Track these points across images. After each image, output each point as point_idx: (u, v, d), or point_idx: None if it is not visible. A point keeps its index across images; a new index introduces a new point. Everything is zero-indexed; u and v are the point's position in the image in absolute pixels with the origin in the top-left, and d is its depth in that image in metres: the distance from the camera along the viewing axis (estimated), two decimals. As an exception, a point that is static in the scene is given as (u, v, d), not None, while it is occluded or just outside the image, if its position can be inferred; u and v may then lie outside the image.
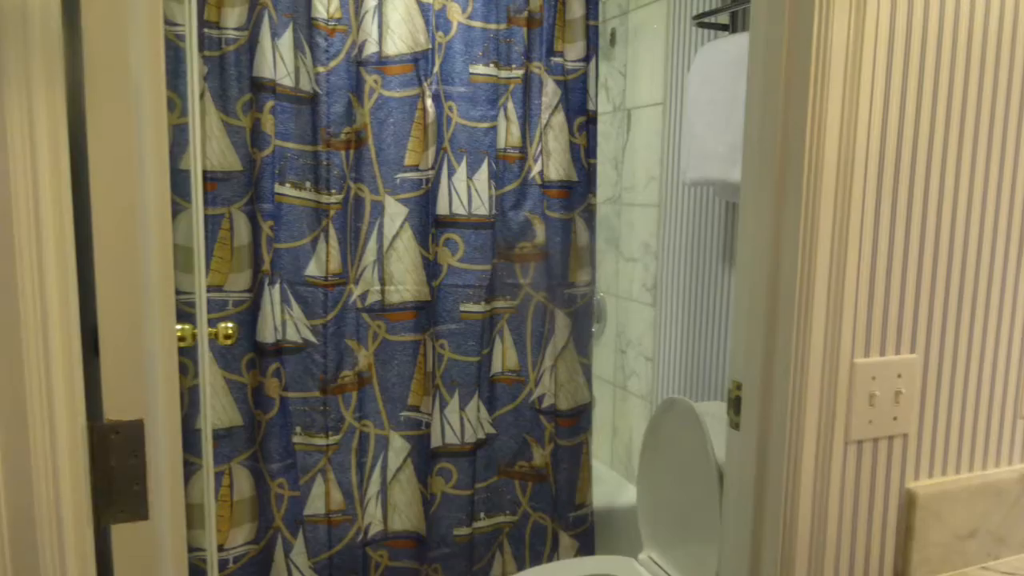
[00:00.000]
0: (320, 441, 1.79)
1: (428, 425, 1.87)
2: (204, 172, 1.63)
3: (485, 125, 1.84)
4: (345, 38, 1.72)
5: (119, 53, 0.63)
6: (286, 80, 1.69)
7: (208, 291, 1.65)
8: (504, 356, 1.94)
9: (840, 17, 0.81)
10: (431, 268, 1.83)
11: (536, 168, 1.89)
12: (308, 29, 1.69)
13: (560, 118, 1.90)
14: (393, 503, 1.88)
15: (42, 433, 0.60)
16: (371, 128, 1.75)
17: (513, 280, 1.92)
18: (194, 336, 1.37)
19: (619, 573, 1.73)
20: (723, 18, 1.77)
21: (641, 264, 2.18)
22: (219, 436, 1.71)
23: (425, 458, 1.88)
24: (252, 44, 1.65)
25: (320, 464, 1.80)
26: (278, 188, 1.71)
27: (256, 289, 1.71)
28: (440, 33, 1.78)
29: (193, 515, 1.62)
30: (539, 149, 1.89)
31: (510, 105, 1.86)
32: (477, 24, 1.80)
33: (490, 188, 1.85)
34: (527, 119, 1.88)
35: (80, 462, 0.63)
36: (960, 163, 0.90)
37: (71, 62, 0.62)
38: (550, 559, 2.01)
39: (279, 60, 1.67)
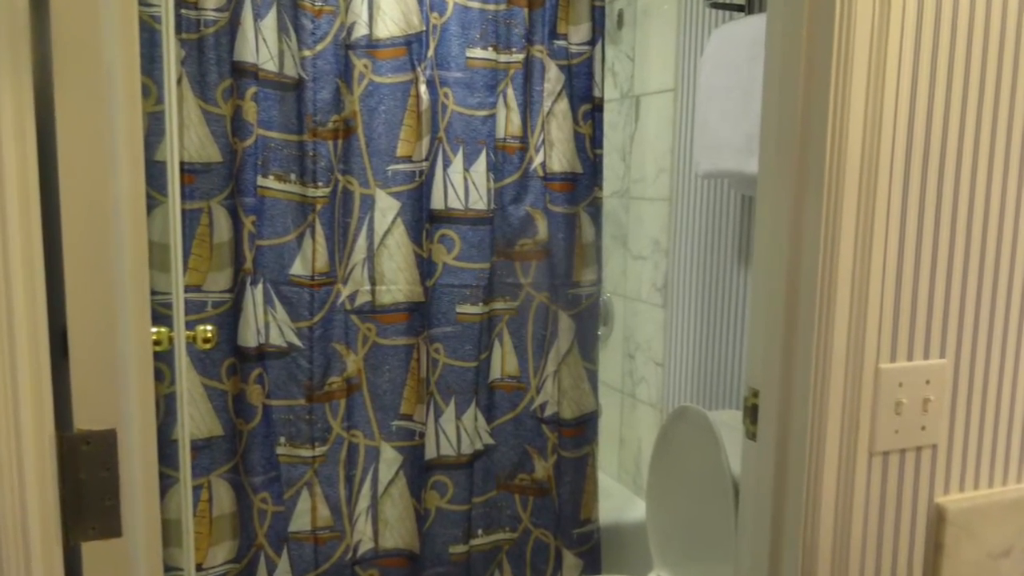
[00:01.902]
0: (306, 452, 1.79)
1: (422, 435, 1.87)
2: (181, 163, 1.63)
3: (483, 113, 1.84)
4: (333, 19, 1.72)
5: (90, 36, 0.63)
6: (269, 65, 1.69)
7: (186, 291, 1.64)
8: (503, 361, 1.94)
9: (864, -3, 0.81)
10: (425, 267, 1.83)
11: (538, 159, 1.89)
12: (293, 10, 1.69)
13: (563, 106, 1.90)
14: (384, 519, 1.88)
15: (7, 444, 0.60)
16: (361, 116, 1.75)
17: (513, 279, 1.92)
18: (171, 340, 1.37)
19: (627, 594, 1.73)
20: (739, -2, 1.78)
21: (651, 262, 2.18)
22: (197, 447, 1.71)
23: (419, 471, 1.88)
24: (233, 26, 1.65)
25: (306, 477, 1.80)
26: (261, 180, 1.71)
27: (237, 289, 1.71)
28: (435, 14, 1.78)
29: (170, 532, 1.62)
30: (541, 139, 1.89)
31: (510, 91, 1.86)
32: (474, 5, 1.80)
33: (488, 181, 1.85)
34: (528, 107, 1.88)
35: (48, 475, 0.63)
36: (993, 153, 0.90)
37: (39, 45, 0.62)
38: (553, 579, 2.02)
39: (262, 43, 1.67)
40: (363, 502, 1.86)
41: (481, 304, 1.87)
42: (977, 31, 0.87)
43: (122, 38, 0.64)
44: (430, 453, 1.88)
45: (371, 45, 1.74)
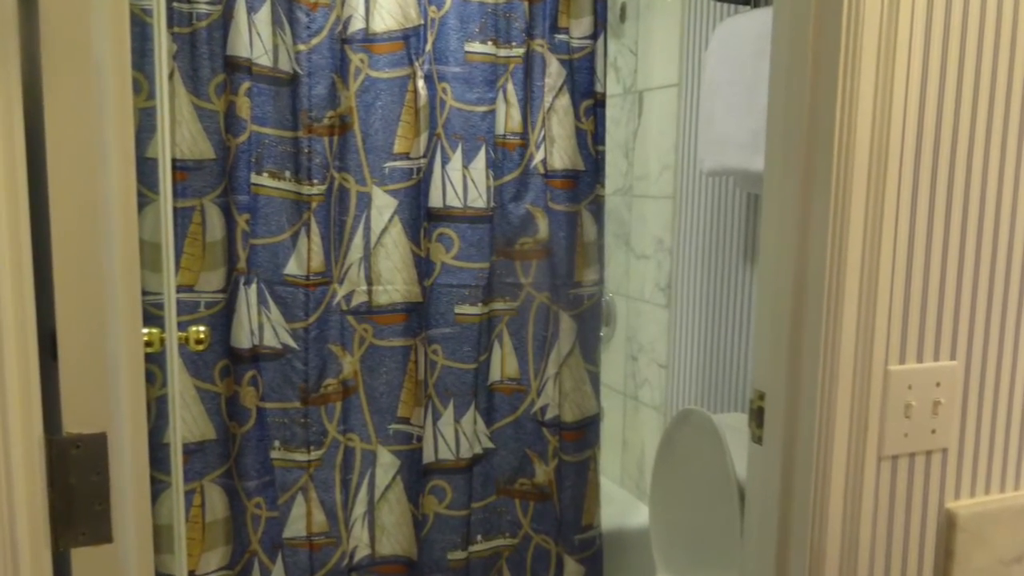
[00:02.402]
0: (301, 456, 1.79)
1: (420, 439, 1.87)
2: (173, 160, 1.63)
3: (482, 109, 1.84)
4: (328, 13, 1.72)
5: (80, 29, 0.63)
6: (263, 59, 1.69)
7: (178, 291, 1.65)
8: (503, 363, 1.94)
9: (873, -11, 0.81)
10: (423, 266, 1.83)
11: (538, 156, 1.89)
12: (288, 3, 1.69)
13: (565, 101, 1.90)
14: (381, 525, 1.88)
15: (-5, 447, 0.60)
16: (357, 112, 1.75)
17: (513, 279, 1.92)
18: (162, 341, 1.36)
19: (630, 601, 1.73)
20: (744, -9, 1.78)
21: (654, 262, 2.18)
22: (190, 451, 1.71)
23: (416, 475, 1.88)
24: (226, 19, 1.65)
25: (301, 482, 1.80)
26: (255, 178, 1.71)
27: (230, 289, 1.71)
28: (433, 7, 1.78)
29: (161, 538, 1.62)
30: (542, 135, 1.89)
31: (510, 87, 1.86)
32: (474, -2, 1.80)
33: (488, 178, 1.85)
34: (528, 102, 1.88)
35: (37, 479, 0.63)
36: (1005, 147, 0.90)
37: (27, 40, 0.62)
38: (554, 586, 2.01)
39: (256, 37, 1.67)
40: (359, 507, 1.86)
41: (480, 304, 1.87)
42: (989, 18, 0.87)
43: (112, 33, 0.64)
44: (428, 457, 1.87)
45: (367, 39, 1.74)
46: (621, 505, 2.26)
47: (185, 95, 1.64)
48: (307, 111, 1.72)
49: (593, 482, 2.03)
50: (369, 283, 1.80)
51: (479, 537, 1.94)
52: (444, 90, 1.81)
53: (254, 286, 1.72)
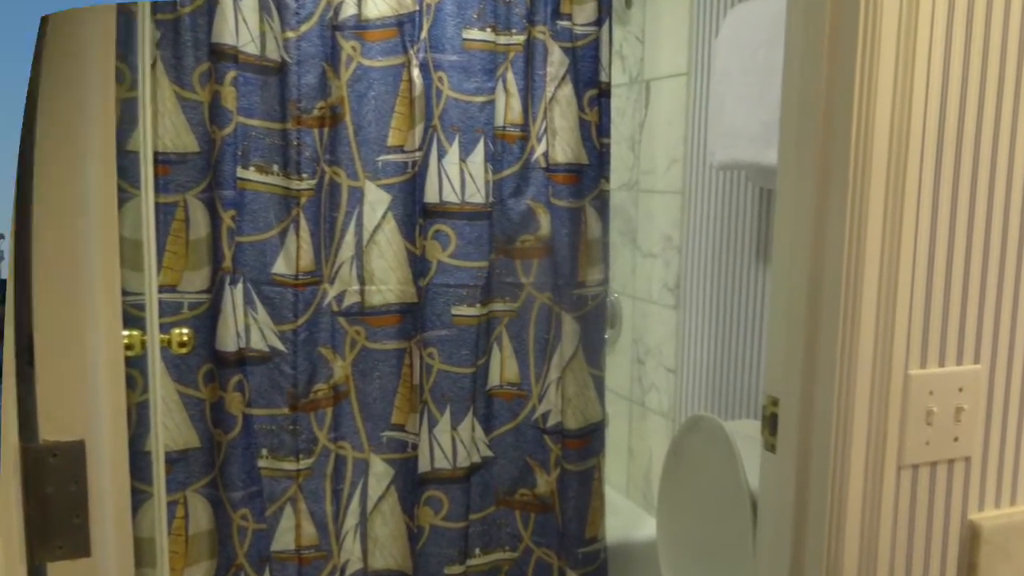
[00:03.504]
0: (289, 465, 1.79)
1: (415, 447, 1.87)
2: (155, 154, 1.63)
3: (481, 99, 1.84)
4: (318, -2, 1.72)
5: (62, 16, 0.63)
6: (250, 47, 1.69)
7: (160, 292, 1.64)
8: (503, 367, 1.94)
9: (892, -26, 0.81)
10: (418, 265, 1.83)
11: (540, 149, 1.89)
12: (276, -12, 1.69)
13: (568, 91, 1.90)
14: (374, 537, 1.88)
15: (-32, 456, 0.60)
16: (349, 103, 1.75)
17: (513, 279, 1.92)
18: (143, 344, 1.37)
19: (636, 618, 1.73)
20: (756, -25, 1.78)
21: (661, 260, 2.18)
22: (172, 459, 1.71)
23: (411, 485, 1.88)
24: (211, 5, 1.65)
25: (289, 492, 1.80)
26: (241, 172, 1.71)
27: (215, 289, 1.71)
28: (429, -8, 1.79)
29: (142, 551, 1.62)
30: (543, 127, 1.89)
31: (510, 76, 1.86)
32: (471, -18, 1.80)
33: (487, 172, 1.85)
34: (529, 92, 1.88)
35: (11, 489, 0.63)
36: (1031, 143, 0.90)
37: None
38: (556, 602, 2.02)
39: (242, 24, 1.67)
40: (351, 519, 1.86)
41: (479, 305, 1.87)
42: (1016, 2, 0.87)
43: (97, 18, 0.64)
44: (424, 466, 1.87)
45: (360, 26, 1.74)
46: (627, 517, 2.26)
47: (168, 85, 1.64)
48: (296, 102, 1.72)
49: (597, 492, 2.03)
50: (361, 283, 1.80)
51: (477, 550, 1.94)
52: (440, 79, 1.81)
53: (240, 286, 1.72)
